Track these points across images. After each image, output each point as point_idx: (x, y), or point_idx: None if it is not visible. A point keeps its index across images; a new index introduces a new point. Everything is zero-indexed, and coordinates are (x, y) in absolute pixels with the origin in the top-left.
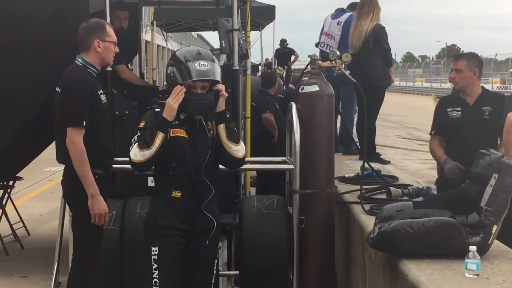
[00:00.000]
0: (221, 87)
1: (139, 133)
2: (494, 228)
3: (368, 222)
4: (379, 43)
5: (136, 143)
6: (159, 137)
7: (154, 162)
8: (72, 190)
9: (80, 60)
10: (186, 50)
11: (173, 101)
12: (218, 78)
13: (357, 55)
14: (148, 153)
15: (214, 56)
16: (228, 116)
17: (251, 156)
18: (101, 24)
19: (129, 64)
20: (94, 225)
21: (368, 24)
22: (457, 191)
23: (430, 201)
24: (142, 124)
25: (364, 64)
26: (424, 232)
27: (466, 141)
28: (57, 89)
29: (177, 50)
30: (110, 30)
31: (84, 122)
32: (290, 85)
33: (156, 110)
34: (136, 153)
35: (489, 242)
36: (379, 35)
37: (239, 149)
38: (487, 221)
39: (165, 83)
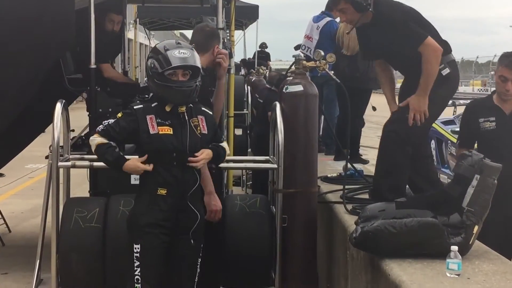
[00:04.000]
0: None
1: (112, 121)
2: (476, 228)
3: (351, 221)
4: None
5: (99, 141)
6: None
7: None
8: None
9: None
10: (165, 42)
11: (139, 168)
12: (198, 64)
13: (354, 57)
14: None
15: (192, 47)
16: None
17: (253, 154)
18: (218, 32)
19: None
20: None
21: None
22: (439, 192)
23: (413, 201)
24: (119, 114)
25: (361, 66)
26: (406, 232)
27: (501, 159)
28: None
29: (156, 44)
30: None
31: None
32: (267, 85)
33: (135, 107)
34: (92, 146)
35: (470, 243)
36: None
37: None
38: (469, 222)
39: (145, 79)
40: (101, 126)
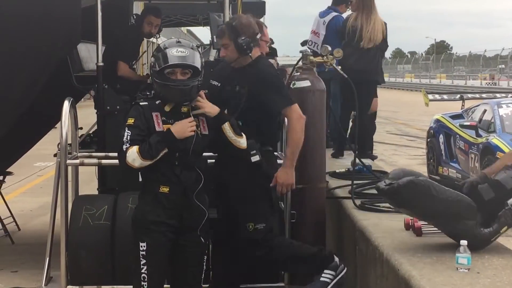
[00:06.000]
0: (201, 99)
1: (129, 132)
2: (504, 229)
3: (359, 216)
4: (385, 39)
5: (137, 148)
6: (164, 151)
7: None
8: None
9: None
10: (167, 40)
11: (189, 126)
12: (197, 65)
13: (370, 50)
14: (147, 163)
15: (194, 45)
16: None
17: None
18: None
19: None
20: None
21: (380, 19)
22: (472, 189)
23: (444, 183)
24: (131, 121)
25: (373, 59)
26: (445, 200)
27: None
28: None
29: (160, 42)
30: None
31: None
32: None
33: (141, 104)
34: (135, 159)
35: (492, 239)
36: (386, 31)
37: (244, 141)
38: (503, 219)
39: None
40: (124, 144)
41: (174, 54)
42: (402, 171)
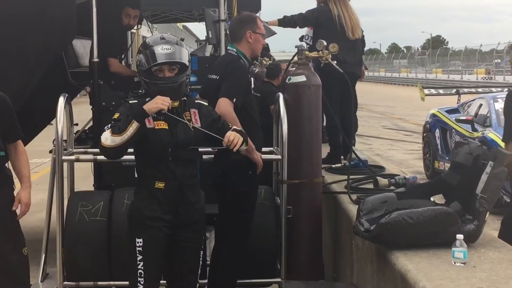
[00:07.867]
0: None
1: (112, 123)
2: (487, 215)
3: (356, 211)
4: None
5: (110, 129)
6: (133, 126)
7: (124, 151)
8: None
9: (234, 50)
10: (151, 37)
11: (162, 101)
12: (184, 60)
13: (355, 42)
14: (118, 140)
15: (179, 40)
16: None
17: None
18: (253, 16)
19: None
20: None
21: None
22: (437, 181)
23: (412, 191)
24: (116, 115)
25: (359, 51)
26: (424, 222)
27: None
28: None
29: (146, 39)
30: (260, 23)
31: (235, 99)
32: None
33: (131, 102)
34: (107, 137)
35: (482, 230)
36: None
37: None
38: (482, 208)
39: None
40: (106, 128)
41: (160, 51)
42: (372, 202)
